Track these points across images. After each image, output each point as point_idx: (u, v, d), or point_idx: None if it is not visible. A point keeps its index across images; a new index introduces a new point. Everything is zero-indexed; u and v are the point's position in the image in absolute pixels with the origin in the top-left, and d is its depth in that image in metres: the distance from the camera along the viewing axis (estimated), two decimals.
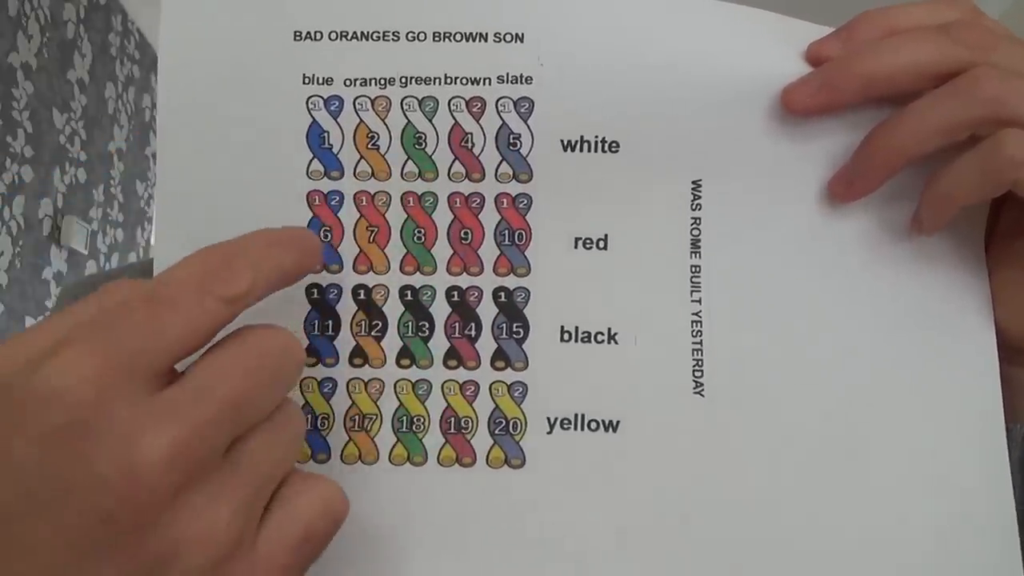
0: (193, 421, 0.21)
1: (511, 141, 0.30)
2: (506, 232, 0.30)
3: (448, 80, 0.30)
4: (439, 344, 0.30)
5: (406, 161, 0.30)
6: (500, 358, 0.30)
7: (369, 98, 0.30)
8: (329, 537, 0.24)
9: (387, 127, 0.30)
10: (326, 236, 0.30)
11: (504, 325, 0.30)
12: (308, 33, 0.30)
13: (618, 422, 0.30)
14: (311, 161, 0.30)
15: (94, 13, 2.61)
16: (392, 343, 0.30)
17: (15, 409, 0.20)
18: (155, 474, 0.20)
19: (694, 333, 0.30)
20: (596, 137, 0.30)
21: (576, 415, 0.30)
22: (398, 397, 0.30)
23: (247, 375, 0.22)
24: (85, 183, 2.55)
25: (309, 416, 0.29)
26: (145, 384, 0.21)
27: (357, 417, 0.30)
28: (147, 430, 0.20)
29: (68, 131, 2.44)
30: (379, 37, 0.30)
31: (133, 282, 0.23)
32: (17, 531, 0.20)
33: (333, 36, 0.30)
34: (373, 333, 0.30)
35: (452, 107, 0.30)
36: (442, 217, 0.30)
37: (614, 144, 0.30)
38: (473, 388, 0.30)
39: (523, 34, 0.30)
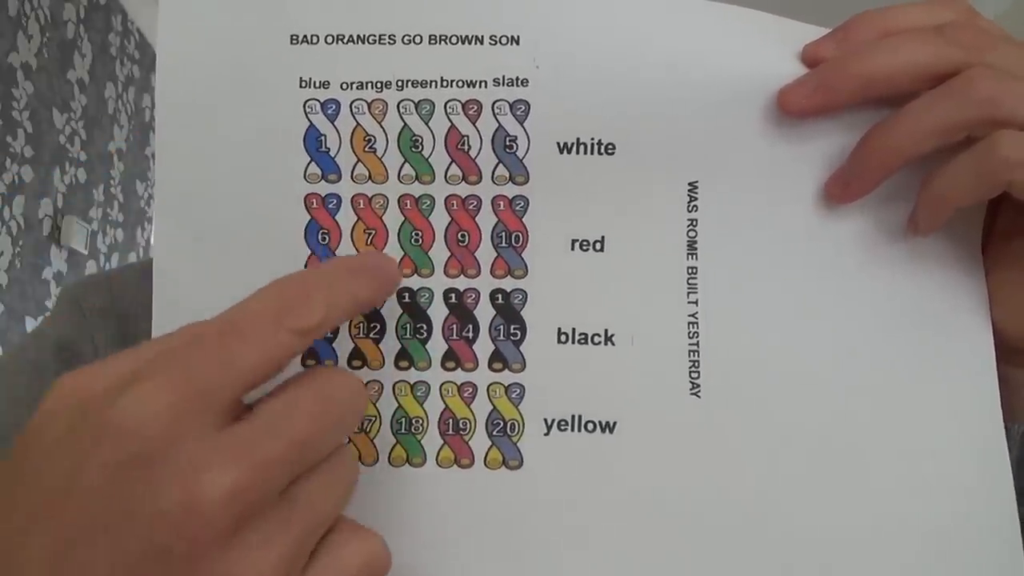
0: (256, 461, 0.21)
1: (507, 143, 0.30)
2: (503, 234, 0.30)
3: (444, 83, 0.30)
4: (437, 346, 0.30)
5: (403, 164, 0.30)
6: (498, 360, 0.30)
7: (366, 101, 0.30)
8: None
9: (384, 130, 0.30)
10: (324, 239, 0.30)
11: (501, 327, 0.30)
12: (305, 36, 0.30)
13: (615, 423, 0.30)
14: (308, 164, 0.30)
15: (94, 13, 2.61)
16: (390, 345, 0.30)
17: (90, 436, 0.20)
18: (214, 511, 0.20)
19: (690, 334, 0.30)
20: (592, 139, 0.30)
21: (573, 416, 0.30)
22: (397, 399, 0.30)
23: (313, 418, 0.22)
24: (85, 183, 2.55)
25: None
26: (215, 418, 0.21)
27: None
28: (211, 467, 0.20)
29: (68, 131, 2.44)
30: (375, 40, 0.30)
31: (212, 319, 0.23)
32: (79, 555, 0.20)
33: (329, 39, 0.30)
34: (371, 335, 0.30)
35: (448, 110, 0.30)
36: (439, 220, 0.30)
37: (610, 146, 0.30)
38: (471, 390, 0.30)
39: (519, 36, 0.30)
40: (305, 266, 0.30)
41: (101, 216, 2.66)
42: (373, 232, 0.30)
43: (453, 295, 0.30)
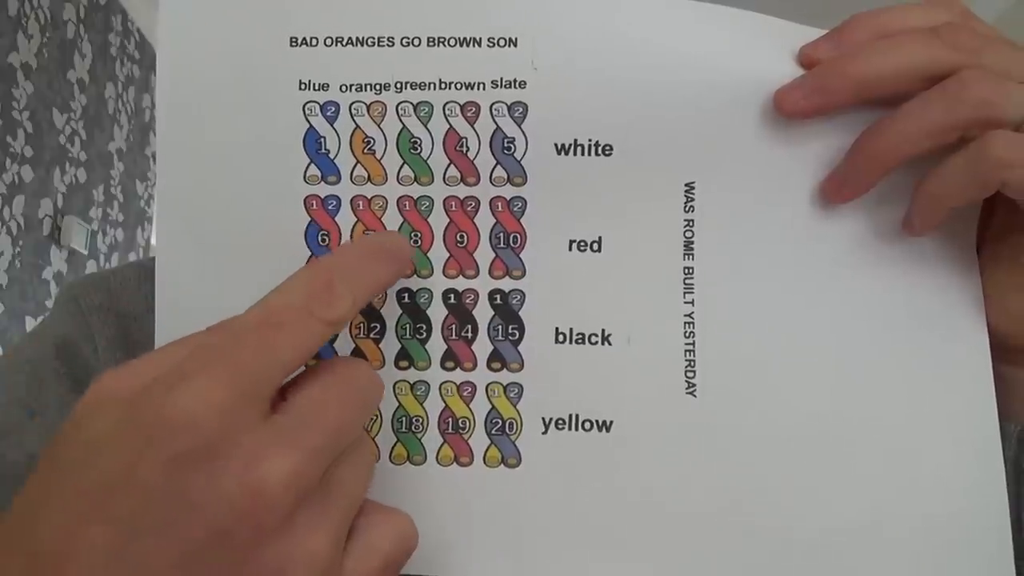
0: (307, 447, 0.22)
1: (505, 145, 0.30)
2: (501, 235, 0.31)
3: (443, 85, 0.30)
4: (436, 346, 0.30)
5: (402, 165, 0.30)
6: (496, 359, 0.30)
7: (365, 103, 0.30)
8: (401, 567, 0.25)
9: (383, 132, 0.30)
10: (323, 240, 0.30)
11: (500, 327, 0.30)
12: (304, 39, 0.30)
13: (611, 422, 0.30)
14: (308, 166, 0.30)
15: (94, 13, 2.61)
16: (390, 345, 0.30)
17: (143, 432, 0.21)
18: (276, 495, 0.21)
19: (687, 334, 0.30)
20: (590, 140, 0.30)
21: (570, 415, 0.30)
22: (397, 398, 0.30)
23: (344, 405, 0.24)
24: (85, 183, 2.55)
25: None
26: (261, 408, 0.22)
27: None
28: (270, 455, 0.21)
29: (68, 131, 2.44)
30: (374, 43, 0.30)
31: (248, 311, 0.24)
32: (140, 546, 0.21)
33: (329, 42, 0.30)
34: (371, 335, 0.30)
35: (447, 112, 0.30)
36: (438, 221, 0.30)
37: (608, 147, 0.30)
38: (470, 389, 0.30)
39: (516, 38, 0.30)
40: None
41: (101, 216, 2.66)
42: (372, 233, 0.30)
43: (452, 295, 0.30)
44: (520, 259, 0.31)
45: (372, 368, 0.26)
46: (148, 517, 0.21)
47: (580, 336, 0.30)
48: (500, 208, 0.31)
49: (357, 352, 0.30)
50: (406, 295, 0.30)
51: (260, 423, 0.22)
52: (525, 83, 0.30)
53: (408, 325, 0.30)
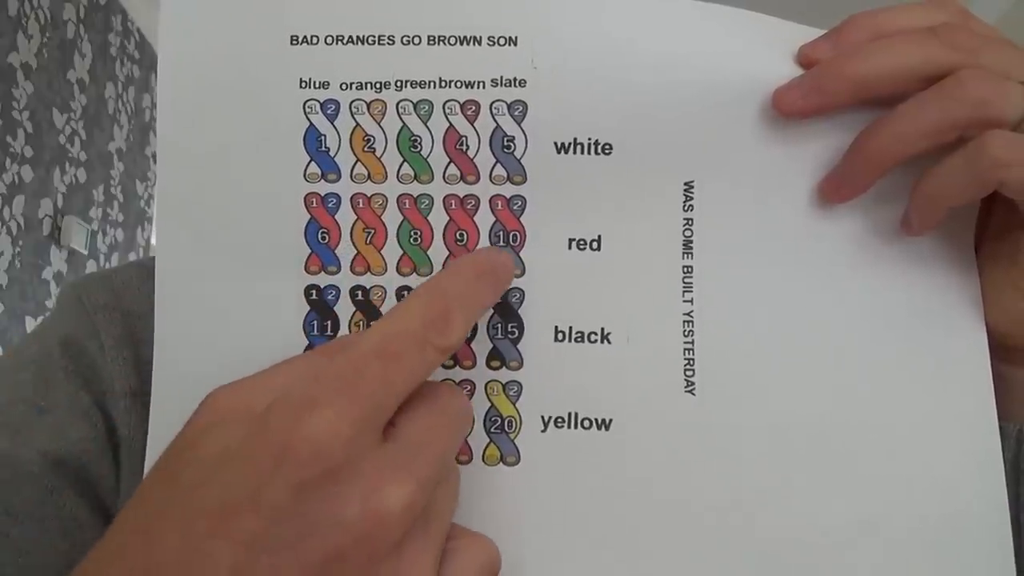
0: (420, 476, 0.23)
1: (505, 144, 0.30)
2: (501, 233, 0.31)
3: (443, 83, 0.30)
4: None
5: (402, 164, 0.31)
6: (495, 357, 0.30)
7: (365, 101, 0.31)
8: None
9: (383, 130, 0.31)
10: (323, 238, 0.30)
11: (499, 325, 0.30)
12: (304, 37, 0.30)
13: (610, 420, 0.30)
14: (308, 164, 0.31)
15: (94, 13, 2.61)
16: None
17: (271, 454, 0.22)
18: (393, 521, 0.22)
19: (686, 333, 0.30)
20: (589, 139, 0.30)
21: (569, 414, 0.30)
22: None
23: (447, 432, 0.25)
24: (85, 183, 2.55)
25: None
26: (377, 436, 0.23)
27: None
28: (388, 482, 0.22)
29: (68, 131, 2.45)
30: (374, 41, 0.31)
31: (359, 337, 0.24)
32: (263, 564, 0.21)
33: (329, 40, 0.30)
34: None
35: (447, 110, 0.30)
36: (438, 219, 0.31)
37: (607, 146, 0.30)
38: (469, 387, 0.30)
39: (516, 37, 0.30)
40: (305, 266, 0.30)
41: (101, 216, 2.66)
42: (372, 231, 0.31)
43: None
44: (520, 257, 0.31)
45: (466, 397, 0.27)
46: (273, 537, 0.21)
47: (579, 334, 0.30)
48: (500, 206, 0.31)
49: None
50: (406, 293, 0.30)
51: (377, 450, 0.23)
52: (525, 82, 0.30)
53: None
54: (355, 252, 0.31)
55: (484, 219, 0.31)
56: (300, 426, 0.22)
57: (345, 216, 0.31)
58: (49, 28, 2.34)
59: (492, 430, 0.30)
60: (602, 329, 0.30)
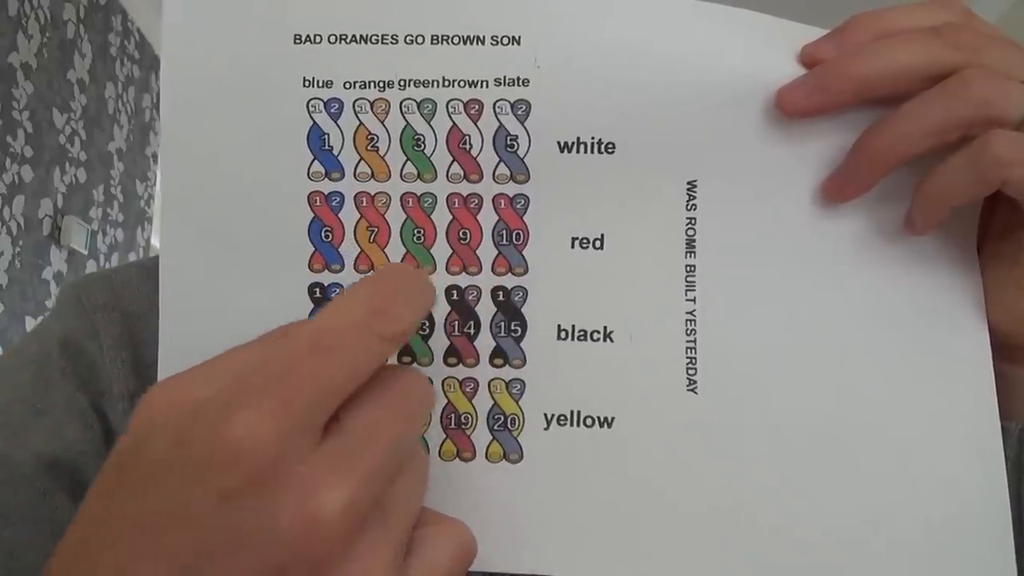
0: (363, 473, 0.21)
1: (508, 143, 0.31)
2: (504, 232, 0.31)
3: (446, 83, 0.30)
4: (439, 342, 0.30)
5: (405, 162, 0.31)
6: (498, 356, 0.30)
7: (368, 100, 0.31)
8: None
9: (386, 129, 0.31)
10: (327, 236, 0.31)
11: (502, 323, 0.30)
12: (308, 36, 0.31)
13: (612, 418, 0.30)
14: (312, 163, 0.31)
15: (94, 13, 2.61)
16: None
17: (193, 463, 0.20)
18: (331, 525, 0.20)
19: (688, 332, 0.30)
20: (592, 138, 0.31)
21: (572, 411, 0.30)
22: None
23: (399, 421, 0.23)
24: (85, 183, 2.55)
25: None
26: (314, 435, 0.21)
27: None
28: (324, 485, 0.21)
29: (68, 131, 2.45)
30: (378, 40, 0.31)
31: (298, 327, 0.23)
32: None
33: (333, 39, 0.31)
34: None
35: (450, 109, 0.30)
36: (441, 217, 0.31)
37: (610, 145, 0.31)
38: (472, 385, 0.30)
39: (520, 37, 0.30)
40: (309, 264, 0.31)
41: (101, 216, 2.66)
42: (376, 230, 0.31)
43: (455, 292, 0.30)
44: (523, 256, 0.31)
45: (422, 375, 0.25)
46: (203, 550, 0.20)
47: (582, 333, 0.31)
48: (503, 205, 0.31)
49: None
50: None
51: (312, 451, 0.21)
52: (528, 81, 0.30)
53: None
54: (359, 250, 0.31)
55: (487, 218, 0.31)
56: (221, 431, 0.20)
57: (349, 215, 0.31)
58: (49, 28, 2.34)
59: (495, 428, 0.30)
60: (605, 328, 0.31)
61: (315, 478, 0.21)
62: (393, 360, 0.30)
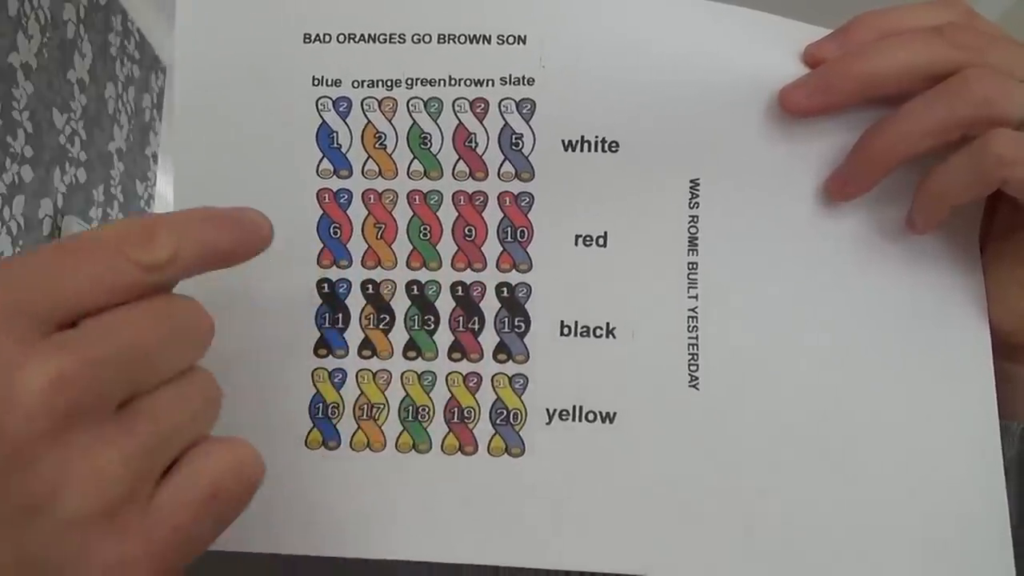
0: (82, 357, 0.20)
1: (513, 141, 0.31)
2: (508, 229, 0.31)
3: (452, 82, 0.31)
4: (444, 337, 0.31)
5: (412, 160, 0.31)
6: (502, 351, 0.31)
7: (376, 99, 0.31)
8: (241, 500, 0.23)
9: (393, 127, 0.31)
10: (335, 233, 0.31)
11: (506, 319, 0.31)
12: (317, 35, 0.31)
13: (615, 414, 0.30)
14: (321, 160, 0.31)
15: (94, 13, 2.61)
16: (399, 336, 0.31)
17: None
18: (33, 404, 0.19)
19: (690, 328, 0.31)
20: (596, 137, 0.31)
21: (574, 407, 0.30)
22: (404, 388, 0.31)
23: (146, 328, 0.22)
24: (85, 183, 2.55)
25: (320, 404, 0.30)
26: (39, 326, 0.20)
27: (366, 406, 0.30)
28: (30, 361, 0.19)
29: (68, 131, 2.44)
30: (385, 39, 0.31)
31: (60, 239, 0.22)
32: None
33: (341, 38, 0.31)
34: (381, 326, 0.31)
35: (456, 108, 0.31)
36: (447, 214, 0.31)
37: (614, 144, 0.31)
38: (476, 380, 0.31)
39: (525, 36, 0.31)
40: (317, 260, 0.31)
41: (101, 216, 2.65)
42: (383, 226, 0.31)
43: (460, 288, 0.31)
44: (527, 253, 0.31)
45: (200, 306, 0.23)
46: None
47: (585, 329, 0.31)
48: (508, 203, 0.31)
49: (366, 342, 0.31)
50: (415, 287, 0.31)
51: (32, 336, 0.20)
52: (533, 80, 0.31)
53: (417, 316, 0.31)
54: (366, 247, 0.31)
55: (492, 215, 0.31)
56: None
57: (357, 211, 0.31)
58: (49, 28, 2.34)
59: (498, 422, 0.30)
60: (607, 324, 0.31)
61: (21, 355, 0.19)
62: (399, 355, 0.31)
